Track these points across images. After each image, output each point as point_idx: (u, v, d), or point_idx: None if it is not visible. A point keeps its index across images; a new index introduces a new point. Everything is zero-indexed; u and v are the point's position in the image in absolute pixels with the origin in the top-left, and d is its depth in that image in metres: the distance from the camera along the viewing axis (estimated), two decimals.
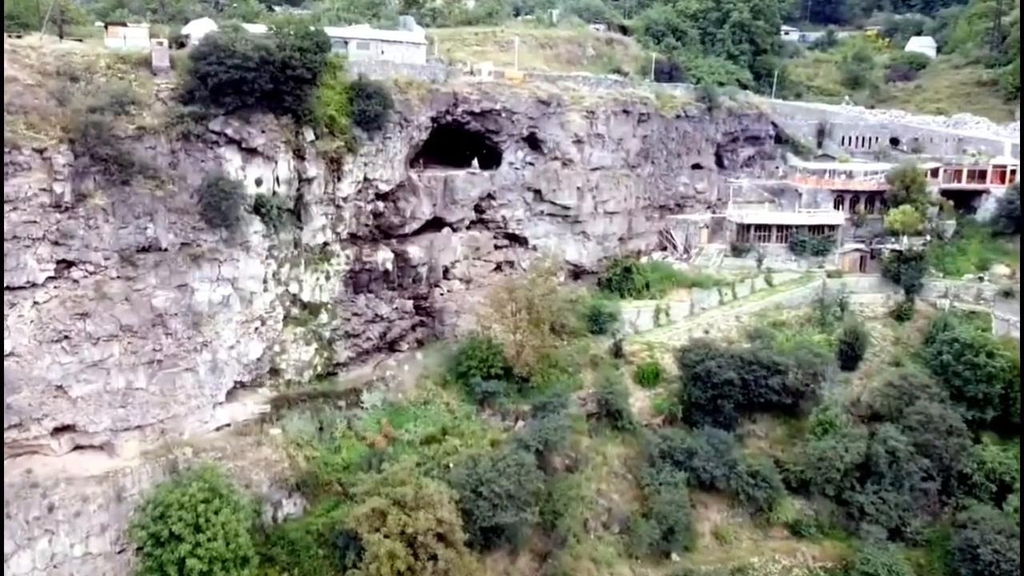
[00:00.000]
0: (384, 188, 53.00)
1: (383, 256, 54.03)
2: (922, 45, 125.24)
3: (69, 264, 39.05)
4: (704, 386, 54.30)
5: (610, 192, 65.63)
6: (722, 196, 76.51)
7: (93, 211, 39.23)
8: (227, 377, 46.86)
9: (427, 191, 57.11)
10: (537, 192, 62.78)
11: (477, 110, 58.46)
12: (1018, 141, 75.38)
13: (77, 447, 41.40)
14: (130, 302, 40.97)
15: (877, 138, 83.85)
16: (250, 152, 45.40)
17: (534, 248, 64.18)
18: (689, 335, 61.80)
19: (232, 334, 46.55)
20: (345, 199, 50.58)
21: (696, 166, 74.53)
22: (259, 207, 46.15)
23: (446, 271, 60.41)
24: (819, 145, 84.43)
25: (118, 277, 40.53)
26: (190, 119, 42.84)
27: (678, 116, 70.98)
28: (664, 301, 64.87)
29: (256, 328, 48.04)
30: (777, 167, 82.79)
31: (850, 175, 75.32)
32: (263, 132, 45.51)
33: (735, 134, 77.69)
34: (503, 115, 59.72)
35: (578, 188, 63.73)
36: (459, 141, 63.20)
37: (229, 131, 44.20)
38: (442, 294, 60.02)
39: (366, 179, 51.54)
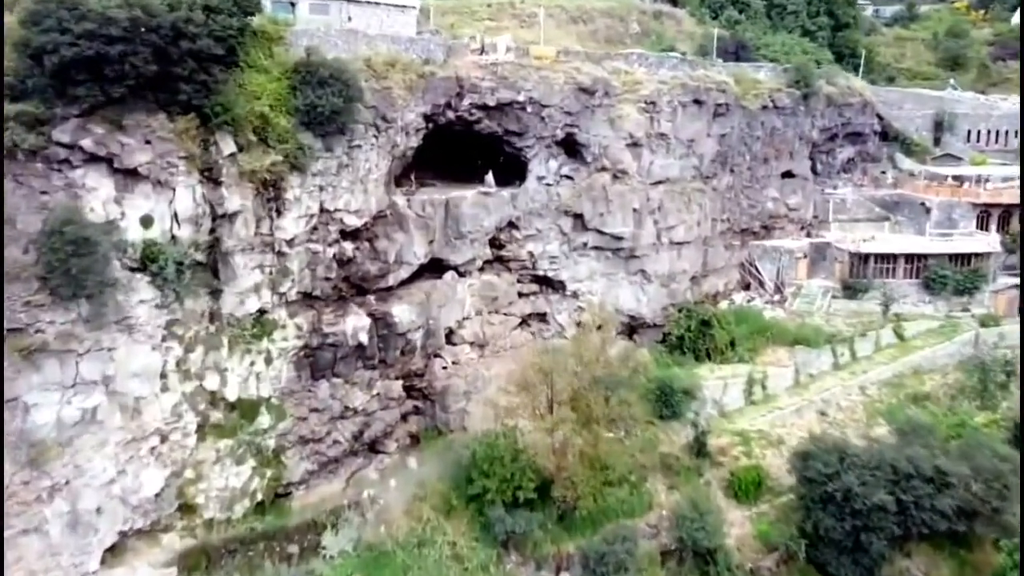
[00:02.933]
0: (353, 222, 36.47)
1: (354, 323, 37.35)
2: None
3: None
4: (839, 512, 37.08)
5: (678, 214, 48.69)
6: (819, 213, 59.28)
7: None
8: (104, 530, 30.59)
9: (420, 222, 40.47)
10: (577, 217, 46.06)
11: (491, 103, 41.90)
12: None
13: None
14: None
15: (1016, 132, 66.19)
16: (127, 175, 29.15)
17: (574, 295, 47.42)
18: (799, 419, 44.81)
19: (109, 463, 30.26)
20: (291, 242, 34.10)
21: (787, 174, 57.35)
22: (147, 261, 29.81)
23: (450, 334, 43.77)
24: (936, 143, 67.01)
25: None
26: (18, 125, 26.70)
27: (764, 107, 53.89)
28: (757, 366, 47.76)
29: (152, 448, 31.68)
30: (883, 172, 65.40)
31: (999, 183, 57.67)
32: (147, 143, 29.24)
33: (833, 130, 60.43)
34: (529, 109, 43.14)
35: (634, 210, 46.91)
36: (466, 147, 46.73)
37: (87, 142, 27.95)
38: (444, 367, 43.33)
39: (323, 210, 35.06)
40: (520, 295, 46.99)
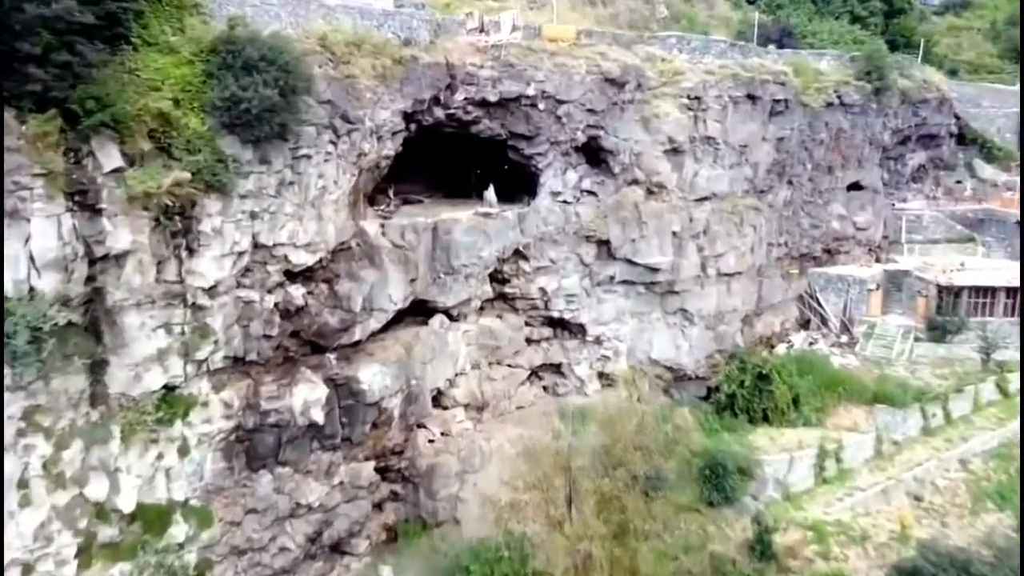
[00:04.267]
0: (303, 260, 27.14)
1: (306, 394, 28.01)
2: None
3: None
4: None
5: (728, 239, 39.26)
6: (890, 233, 49.81)
7: None
8: None
9: (398, 255, 31.14)
10: (602, 244, 36.75)
11: (493, 97, 32.68)
12: None
13: None
14: None
15: None
16: None
17: (597, 341, 38.07)
18: (886, 505, 35.40)
19: None
20: (212, 290, 24.78)
21: (854, 186, 47.86)
22: None
23: (438, 396, 34.50)
24: None
25: None
26: None
27: (829, 104, 44.41)
28: (828, 431, 38.31)
29: None
30: (958, 181, 55.86)
31: None
32: None
33: (906, 132, 50.88)
34: (541, 106, 33.93)
35: (674, 234, 37.55)
36: (460, 155, 37.64)
37: None
38: (431, 441, 34.04)
39: (258, 245, 25.72)
40: (529, 342, 37.69)
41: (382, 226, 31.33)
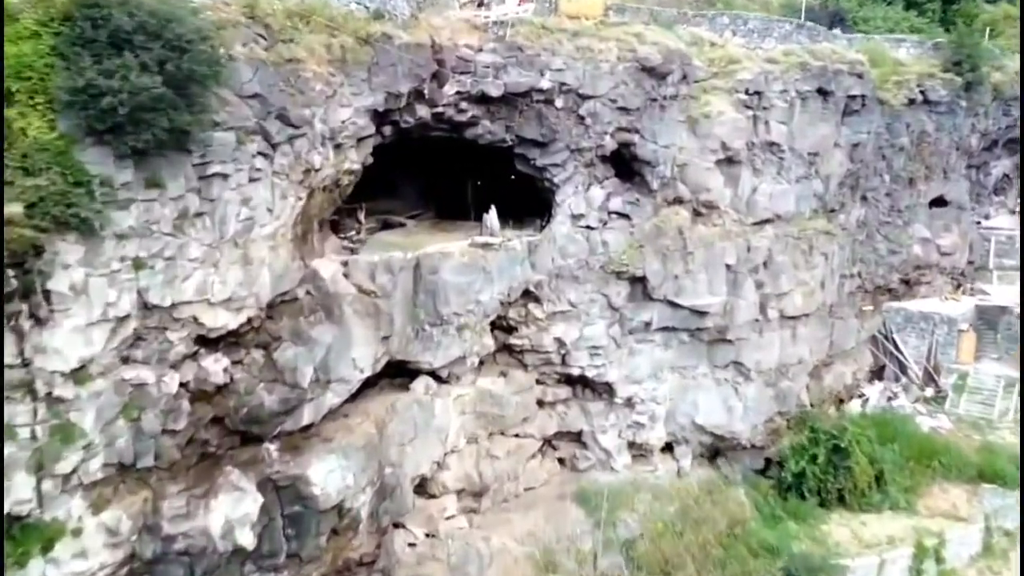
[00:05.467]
0: (222, 321, 19.19)
1: (228, 509, 20.00)
2: None
3: None
4: None
5: (794, 272, 31.26)
6: (976, 257, 41.69)
7: None
8: None
9: (366, 304, 23.16)
10: (636, 281, 28.78)
11: (495, 91, 24.81)
12: None
13: None
14: None
15: None
16: None
17: (628, 403, 30.07)
18: None
19: None
20: (77, 372, 16.89)
21: (937, 201, 39.71)
22: None
23: (423, 483, 26.58)
24: None
25: None
26: None
27: (911, 102, 36.32)
28: (921, 519, 30.37)
29: None
30: None
31: None
32: None
33: (993, 135, 42.67)
34: (559, 103, 26.10)
35: (728, 267, 29.59)
36: (453, 166, 29.94)
37: None
38: (412, 544, 26.11)
39: (150, 306, 17.77)
40: (541, 405, 29.74)
41: (345, 264, 23.41)
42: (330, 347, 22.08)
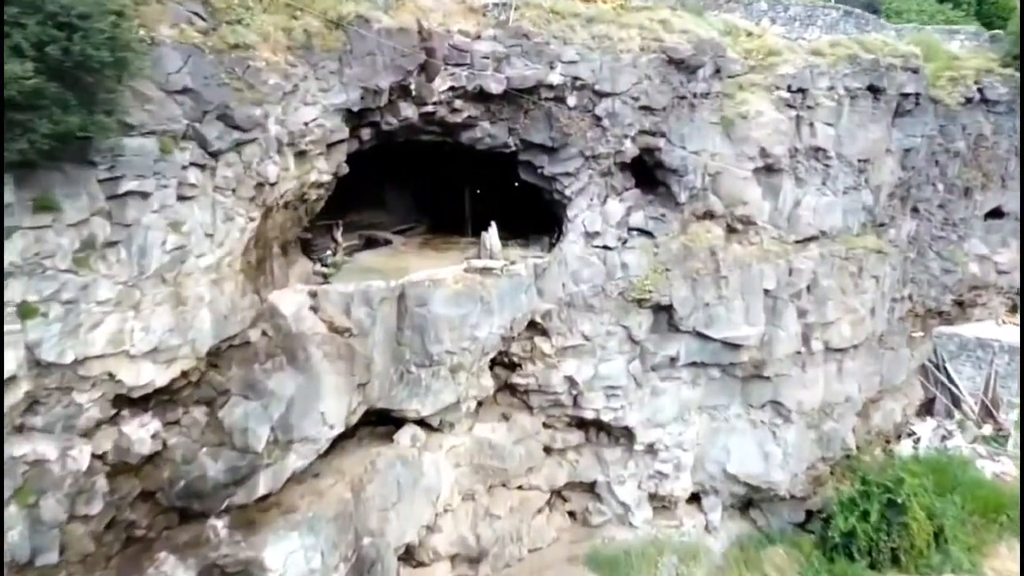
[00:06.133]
0: (146, 377, 15.12)
1: None
2: None
3: None
4: None
5: (842, 298, 27.12)
6: None
7: None
8: None
9: (338, 348, 19.06)
10: (662, 311, 24.70)
11: (496, 86, 20.78)
12: None
13: None
14: None
15: None
16: None
17: (650, 450, 26.00)
18: None
19: None
20: None
21: (994, 213, 35.46)
22: None
23: (409, 551, 22.51)
24: None
25: None
26: None
27: (967, 101, 32.12)
28: None
29: None
30: None
31: None
32: None
33: None
34: (571, 100, 22.12)
35: (766, 292, 25.50)
36: (445, 173, 25.97)
37: None
38: None
39: (44, 364, 13.70)
40: (549, 452, 25.68)
41: (313, 296, 19.38)
42: (292, 400, 18.05)
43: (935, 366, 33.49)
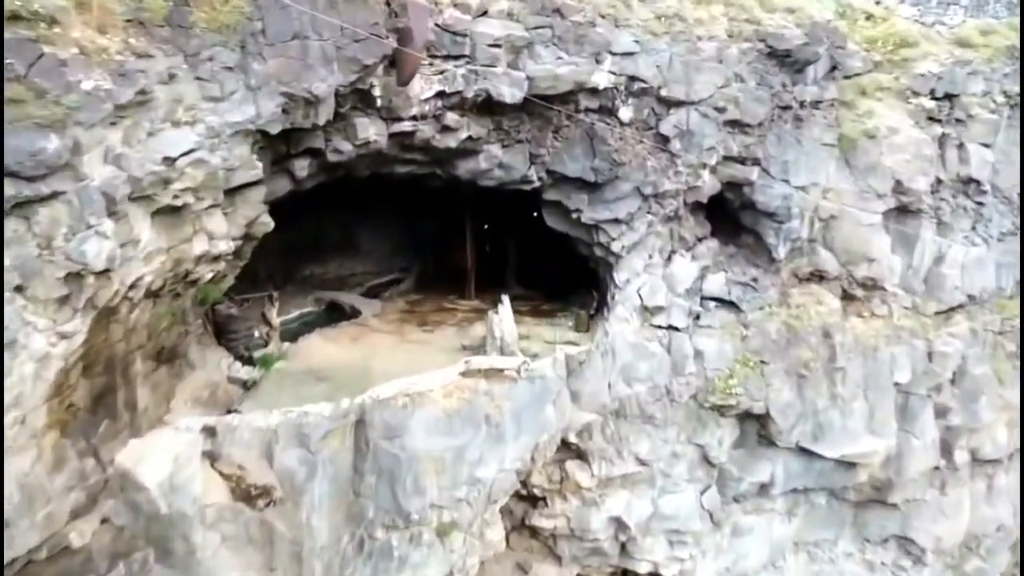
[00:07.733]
0: None
1: None
2: None
3: None
4: None
5: (993, 391, 19.30)
6: None
7: None
8: None
9: (245, 527, 11.47)
10: (752, 419, 17.01)
11: (510, 92, 13.10)
12: None
13: None
14: None
15: None
16: None
17: None
18: None
19: None
20: None
21: None
22: None
23: None
24: None
25: None
26: None
27: None
28: None
29: None
30: None
31: None
32: None
33: None
34: (627, 113, 14.40)
35: (896, 386, 17.75)
36: (442, 200, 18.37)
37: None
38: None
39: None
40: None
41: (211, 435, 11.80)
42: None
43: None
